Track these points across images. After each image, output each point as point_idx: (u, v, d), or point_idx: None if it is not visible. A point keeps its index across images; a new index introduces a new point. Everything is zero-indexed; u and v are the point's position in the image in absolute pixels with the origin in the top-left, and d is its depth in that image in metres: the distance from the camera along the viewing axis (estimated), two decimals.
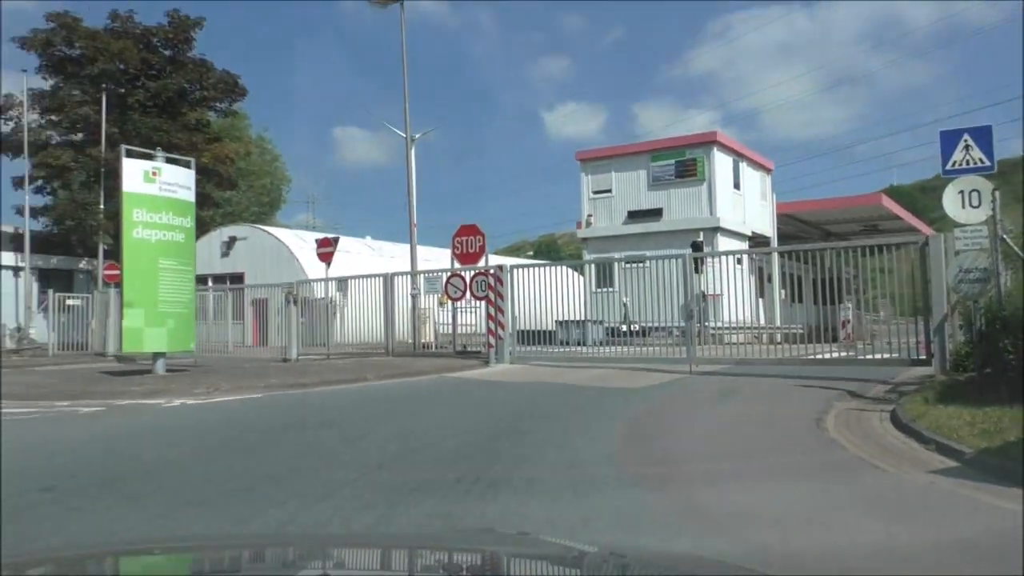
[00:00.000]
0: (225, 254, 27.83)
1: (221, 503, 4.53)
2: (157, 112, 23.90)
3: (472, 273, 15.17)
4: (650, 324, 13.55)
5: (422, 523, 3.93)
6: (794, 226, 27.64)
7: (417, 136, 23.24)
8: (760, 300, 19.77)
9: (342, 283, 18.79)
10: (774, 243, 25.73)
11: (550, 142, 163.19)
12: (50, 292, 22.07)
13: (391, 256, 29.19)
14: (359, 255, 27.41)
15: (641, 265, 14.56)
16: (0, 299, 23.23)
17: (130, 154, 12.48)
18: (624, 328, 14.88)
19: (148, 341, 12.20)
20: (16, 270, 23.83)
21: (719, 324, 15.10)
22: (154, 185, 12.25)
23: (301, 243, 28.39)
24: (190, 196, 12.95)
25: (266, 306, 22.33)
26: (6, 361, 20.50)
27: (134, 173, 12.19)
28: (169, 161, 12.90)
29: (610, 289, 17.35)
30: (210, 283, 23.43)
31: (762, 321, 19.21)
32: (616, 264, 18.76)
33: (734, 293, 13.26)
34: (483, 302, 14.76)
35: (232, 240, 27.21)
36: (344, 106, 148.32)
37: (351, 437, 6.79)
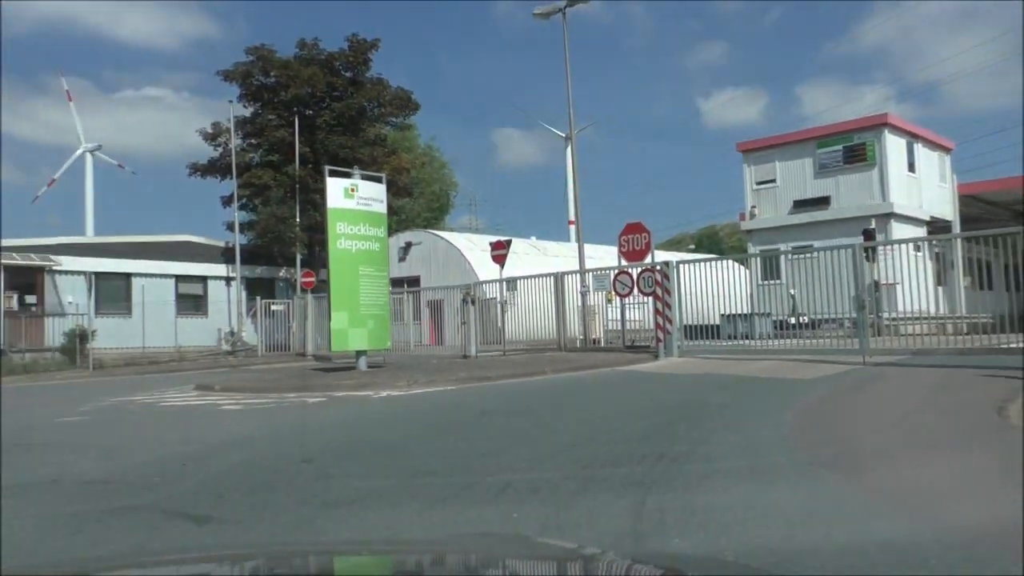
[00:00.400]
0: (402, 259, 29.84)
1: (445, 473, 5.44)
2: (341, 130, 26.15)
3: (639, 270, 15.74)
4: (819, 316, 13.58)
5: (618, 491, 4.62)
6: (979, 208, 26.09)
7: (576, 132, 24.05)
8: (940, 288, 19.01)
9: (512, 283, 19.88)
10: (956, 228, 24.45)
11: (707, 131, 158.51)
12: (257, 299, 24.75)
13: (555, 255, 30.18)
14: (525, 255, 28.55)
15: (809, 255, 14.56)
16: (209, 305, 26.29)
17: (332, 173, 13.97)
18: (792, 320, 14.93)
19: (352, 340, 13.71)
20: (228, 280, 26.82)
21: (895, 314, 14.82)
22: (353, 200, 13.72)
23: (471, 246, 29.96)
24: (382, 208, 14.38)
25: (441, 307, 23.89)
26: (224, 361, 23.25)
27: (336, 190, 13.70)
28: (364, 178, 14.36)
29: (777, 281, 17.35)
30: (390, 287, 25.32)
31: (943, 310, 18.49)
32: (783, 255, 18.69)
33: (911, 282, 13.04)
34: (650, 298, 15.31)
35: (408, 245, 29.09)
36: (499, 108, 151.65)
37: (542, 422, 7.64)
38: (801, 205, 24.07)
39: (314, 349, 23.76)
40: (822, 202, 23.66)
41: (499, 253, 19.35)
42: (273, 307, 24.87)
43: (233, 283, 26.61)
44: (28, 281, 22.61)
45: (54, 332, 22.55)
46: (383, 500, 4.63)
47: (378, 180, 14.73)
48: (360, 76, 26.97)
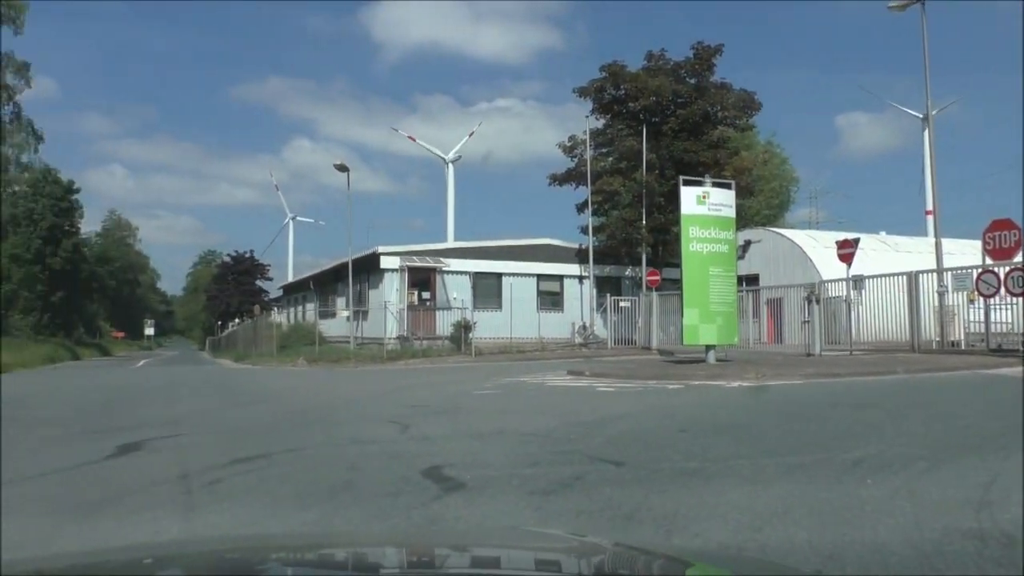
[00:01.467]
0: (740, 257, 30.22)
1: (797, 452, 6.37)
2: (686, 135, 27.40)
3: (1007, 269, 14.86)
4: None
5: (967, 472, 5.22)
6: None
7: (935, 112, 22.54)
8: None
9: (859, 281, 19.58)
10: None
11: None
12: (607, 296, 27.04)
13: (907, 251, 28.52)
14: (873, 251, 27.41)
15: None
16: (564, 301, 29.10)
17: (685, 183, 15.28)
18: None
19: (702, 335, 14.93)
20: (580, 279, 29.49)
21: None
22: (704, 206, 14.91)
23: (813, 243, 29.46)
24: (731, 213, 15.38)
25: (781, 305, 24.04)
26: (579, 352, 25.82)
27: (689, 198, 14.99)
28: (714, 185, 15.47)
29: None
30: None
31: None
32: None
33: None
34: (1020, 299, 14.40)
35: (747, 244, 29.43)
36: (844, 91, 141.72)
37: (893, 413, 8.17)
38: None
39: (659, 343, 25.36)
40: None
41: (846, 252, 19.20)
42: (621, 304, 26.95)
43: (585, 281, 29.16)
44: (424, 279, 27.19)
45: (444, 323, 26.79)
46: (742, 472, 5.67)
47: (727, 186, 15.74)
48: (704, 82, 28.00)
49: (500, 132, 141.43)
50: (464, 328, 24.82)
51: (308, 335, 29.76)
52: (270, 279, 67.77)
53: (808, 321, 19.95)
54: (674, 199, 27.35)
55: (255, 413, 10.13)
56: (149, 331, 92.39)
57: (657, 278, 26.31)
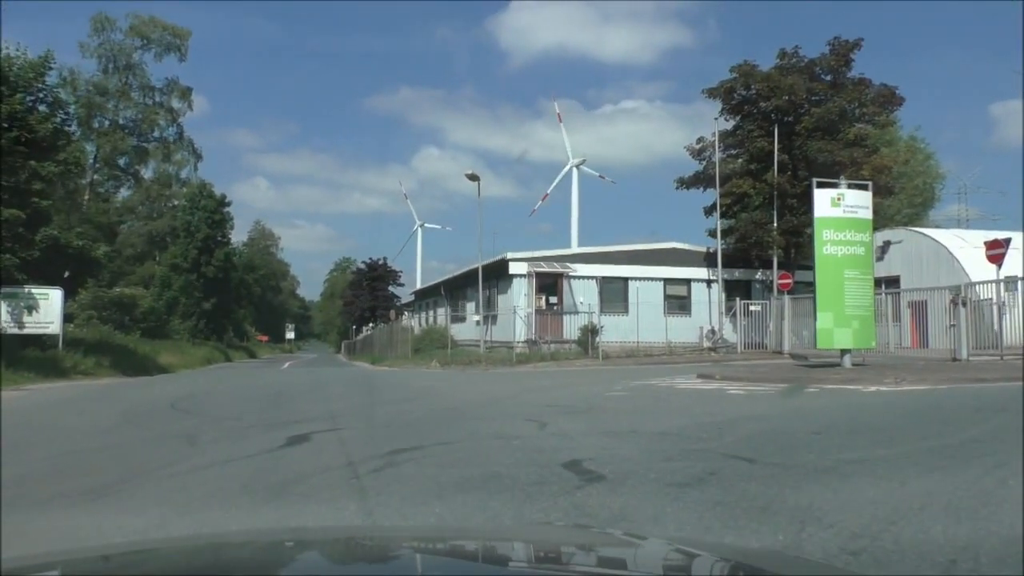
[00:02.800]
0: (879, 258, 29.07)
1: (930, 457, 6.38)
2: (820, 134, 26.70)
3: None
4: None
5: None
6: None
7: None
8: None
9: (1011, 283, 18.55)
10: None
11: None
12: (737, 300, 26.69)
13: None
14: None
15: None
16: (692, 305, 28.89)
17: (819, 185, 15.05)
18: None
19: (837, 339, 14.66)
20: (708, 282, 29.22)
21: None
22: (838, 208, 14.65)
23: (960, 243, 27.95)
24: (867, 215, 15.03)
25: (924, 308, 22.99)
26: (708, 356, 25.65)
27: (823, 200, 14.77)
28: (850, 186, 15.16)
29: None
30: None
31: None
32: None
33: None
34: None
35: (886, 244, 28.30)
36: (998, 78, 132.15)
37: None
38: None
39: (791, 347, 24.81)
40: None
41: (995, 252, 18.24)
42: (751, 307, 26.54)
43: (714, 285, 28.88)
44: (551, 284, 27.73)
45: (570, 327, 27.22)
46: (878, 470, 5.75)
47: (864, 187, 15.40)
48: (841, 78, 27.21)
49: (626, 135, 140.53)
50: (591, 332, 25.15)
51: (440, 339, 30.93)
52: (402, 285, 70.28)
53: (954, 325, 19.12)
54: (807, 201, 26.78)
55: (403, 410, 10.89)
56: (290, 335, 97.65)
57: (789, 281, 25.75)
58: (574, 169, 58.96)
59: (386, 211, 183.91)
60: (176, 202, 63.86)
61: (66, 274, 22.28)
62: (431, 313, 43.56)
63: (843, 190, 14.98)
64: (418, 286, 57.58)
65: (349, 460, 6.61)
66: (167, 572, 1.71)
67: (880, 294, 23.19)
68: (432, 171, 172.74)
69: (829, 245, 14.68)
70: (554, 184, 60.87)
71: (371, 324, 62.02)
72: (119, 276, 57.45)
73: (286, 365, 37.99)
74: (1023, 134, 75.55)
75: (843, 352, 14.91)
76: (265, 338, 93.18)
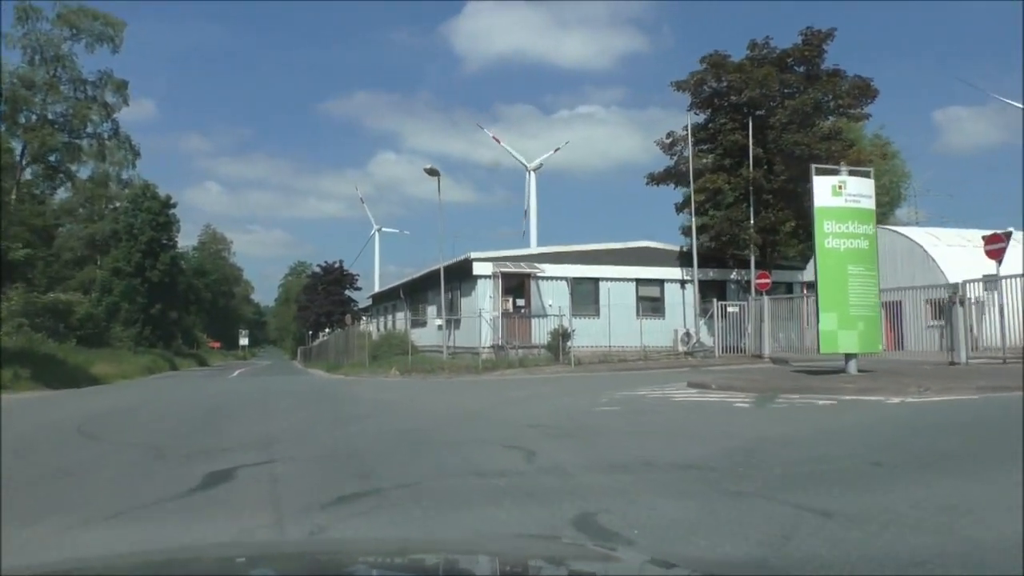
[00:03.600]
0: None
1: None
2: (795, 128, 25.51)
3: None
4: None
5: None
6: None
7: None
8: None
9: (991, 282, 17.56)
10: None
11: None
12: (714, 301, 25.33)
13: None
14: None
15: None
16: (665, 307, 27.50)
17: (818, 172, 13.67)
18: None
19: (842, 342, 13.25)
20: (683, 283, 27.86)
21: None
22: (840, 198, 13.27)
23: (935, 241, 27.05)
24: (871, 204, 13.68)
25: (900, 308, 21.92)
26: (685, 361, 24.24)
27: (823, 188, 13.37)
28: (851, 174, 13.79)
29: None
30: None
31: None
32: None
33: None
34: None
35: None
36: (942, 85, 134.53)
37: None
38: None
39: (771, 351, 23.52)
40: None
41: (996, 247, 17.08)
42: (728, 309, 25.20)
43: (688, 286, 27.56)
44: (518, 286, 26.04)
45: (539, 331, 25.60)
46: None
47: (866, 175, 14.05)
48: (815, 70, 26.05)
49: (582, 139, 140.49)
50: (562, 336, 23.57)
51: (400, 345, 29.02)
52: (359, 289, 68.15)
53: (944, 326, 18.02)
54: (784, 196, 25.61)
55: (357, 432, 9.10)
56: (243, 341, 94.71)
57: (767, 281, 24.48)
58: (531, 174, 60.00)
59: (343, 216, 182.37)
60: (118, 204, 61.00)
61: None
62: (390, 318, 41.60)
63: (845, 177, 13.61)
64: (375, 290, 56.76)
65: (278, 514, 4.90)
66: None
67: None
68: (389, 176, 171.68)
69: (831, 238, 13.29)
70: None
71: (327, 330, 59.99)
72: (57, 281, 54.41)
73: (235, 373, 35.67)
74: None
75: (847, 357, 13.50)
76: (217, 345, 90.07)
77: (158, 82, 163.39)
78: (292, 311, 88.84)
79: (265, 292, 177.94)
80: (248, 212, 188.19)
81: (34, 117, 35.81)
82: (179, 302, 62.47)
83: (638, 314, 26.83)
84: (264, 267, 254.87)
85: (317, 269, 70.40)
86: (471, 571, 1.92)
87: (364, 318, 49.45)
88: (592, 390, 13.52)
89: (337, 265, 67.39)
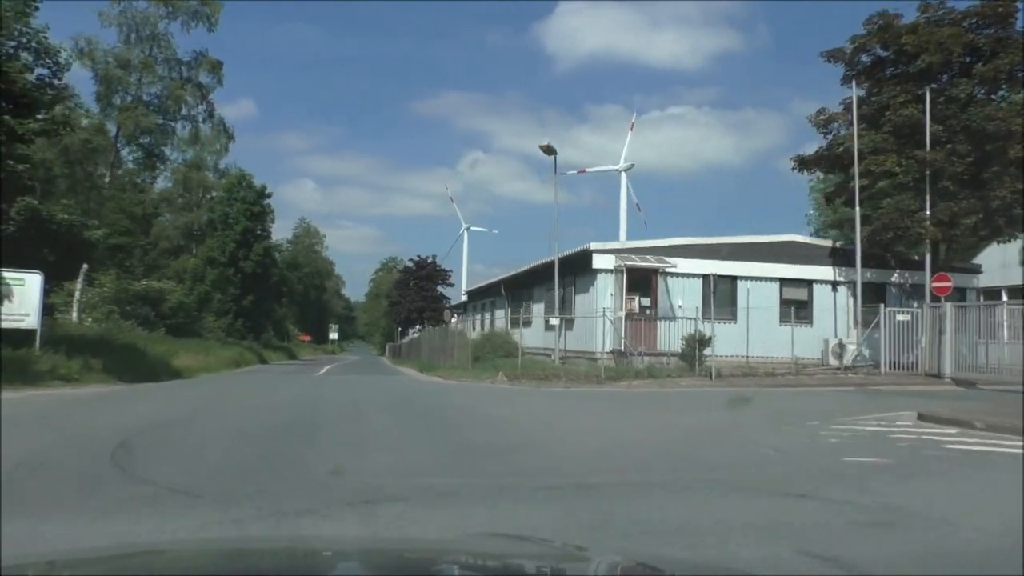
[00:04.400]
0: None
1: None
2: (984, 99, 21.31)
3: None
4: None
5: None
6: None
7: None
8: None
9: None
10: None
11: None
12: (881, 307, 21.24)
13: None
14: None
15: None
16: (814, 312, 23.54)
17: None
18: None
19: None
20: (834, 284, 23.88)
21: None
22: None
23: None
24: None
25: None
26: (845, 378, 20.29)
27: None
28: None
29: None
30: None
31: None
32: None
33: None
34: None
35: None
36: None
37: None
38: None
39: (954, 370, 19.40)
40: None
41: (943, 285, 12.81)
42: (898, 317, 21.10)
43: (840, 288, 23.61)
44: (644, 282, 22.57)
45: (666, 336, 22.13)
46: None
47: None
48: (1007, 31, 21.71)
49: (673, 141, 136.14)
50: (699, 343, 20.02)
51: (503, 346, 25.95)
52: (451, 285, 65.96)
53: None
54: (967, 182, 21.40)
55: (507, 484, 5.90)
56: (333, 335, 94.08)
57: (948, 285, 20.35)
58: (622, 174, 60.55)
59: (432, 214, 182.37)
60: (214, 193, 60.21)
61: (51, 257, 17.86)
62: (487, 316, 38.71)
63: None
64: (464, 289, 55.38)
65: None
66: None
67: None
68: (477, 175, 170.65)
69: None
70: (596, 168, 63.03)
71: (418, 326, 57.91)
72: (153, 269, 53.97)
73: (324, 370, 33.31)
74: None
75: None
76: (308, 338, 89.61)
77: (258, 81, 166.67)
78: (382, 306, 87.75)
79: (354, 288, 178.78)
80: (339, 208, 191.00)
81: (129, 98, 34.41)
82: (271, 294, 61.30)
83: (782, 320, 23.00)
84: (353, 263, 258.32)
85: (409, 263, 68.35)
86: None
87: (456, 316, 46.89)
88: (772, 416, 10.05)
89: (430, 260, 65.19)
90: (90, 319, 33.34)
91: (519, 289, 32.08)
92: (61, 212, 17.98)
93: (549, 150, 22.88)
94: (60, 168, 38.05)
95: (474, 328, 38.96)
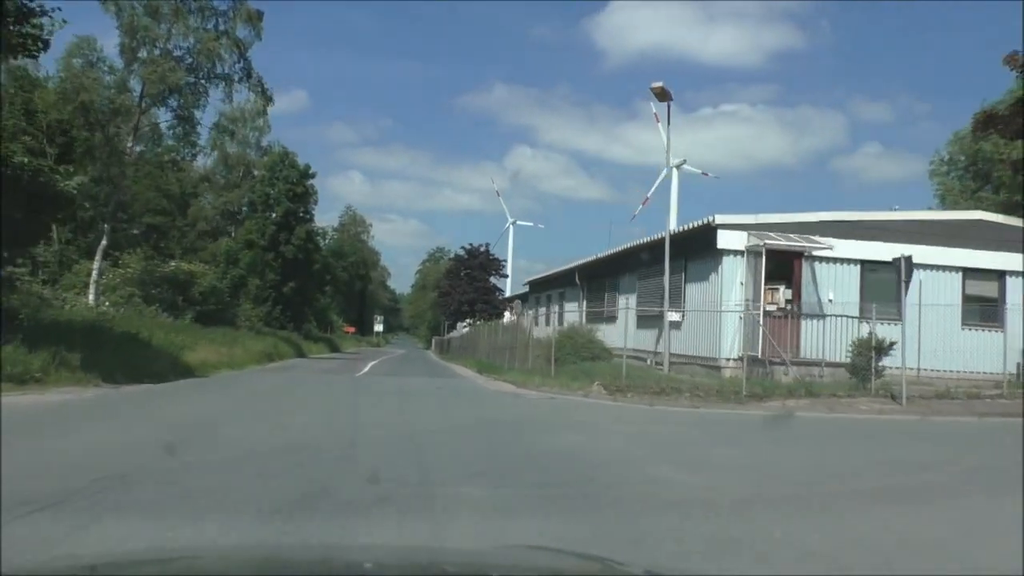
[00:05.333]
0: None
1: None
2: None
3: None
4: None
5: None
6: None
7: None
8: None
9: None
10: None
11: None
12: None
13: None
14: None
15: None
16: (1006, 314, 18.04)
17: None
18: None
19: None
20: None
21: None
22: None
23: None
24: None
25: None
26: None
27: None
28: None
29: None
30: None
31: None
32: None
33: None
34: None
35: None
36: None
37: None
38: None
39: None
40: None
41: None
42: None
43: None
44: (784, 268, 17.25)
45: (811, 339, 16.83)
46: None
47: None
48: None
49: (725, 139, 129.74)
50: (876, 350, 14.63)
51: (587, 346, 20.83)
52: (505, 276, 61.09)
53: None
54: None
55: None
56: (378, 327, 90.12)
57: None
58: (673, 171, 54.33)
59: (478, 208, 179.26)
60: (256, 172, 56.12)
61: (15, 213, 13.22)
62: (553, 309, 33.59)
63: None
64: (509, 284, 51.14)
65: None
66: None
67: None
68: (524, 170, 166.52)
69: None
70: (654, 187, 55.85)
71: (469, 320, 53.19)
72: (190, 252, 50.13)
73: (367, 368, 28.58)
74: None
75: None
76: (352, 329, 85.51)
77: (309, 72, 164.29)
78: (429, 299, 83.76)
79: (399, 280, 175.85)
80: (386, 201, 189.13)
81: (157, 52, 30.00)
82: (314, 281, 57.03)
83: (964, 322, 17.53)
84: (399, 256, 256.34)
85: (461, 252, 63.55)
86: None
87: (523, 309, 41.99)
88: None
89: (483, 249, 60.31)
90: (107, 303, 29.29)
91: (599, 278, 26.92)
92: (21, 155, 13.38)
93: (663, 94, 17.63)
94: (79, 131, 34.03)
95: (535, 323, 33.87)
